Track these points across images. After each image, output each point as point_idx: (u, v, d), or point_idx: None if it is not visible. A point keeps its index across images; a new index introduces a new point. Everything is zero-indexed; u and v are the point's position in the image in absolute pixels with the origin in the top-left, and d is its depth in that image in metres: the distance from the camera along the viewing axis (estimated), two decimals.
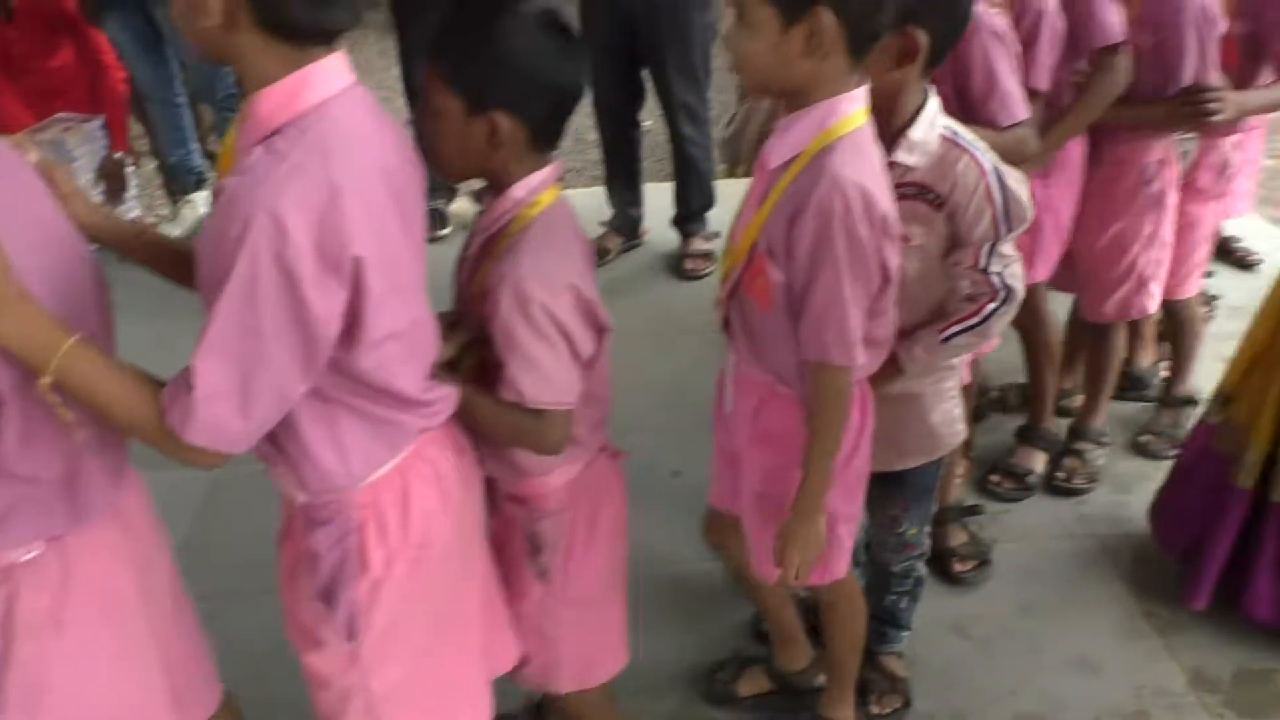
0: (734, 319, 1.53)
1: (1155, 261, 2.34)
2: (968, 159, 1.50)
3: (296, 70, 1.04)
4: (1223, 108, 2.11)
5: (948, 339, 1.57)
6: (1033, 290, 2.30)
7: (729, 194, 3.38)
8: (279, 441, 1.15)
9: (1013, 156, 1.90)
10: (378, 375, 1.13)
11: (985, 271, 1.54)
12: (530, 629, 1.52)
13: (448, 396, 1.26)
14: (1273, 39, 2.21)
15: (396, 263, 1.11)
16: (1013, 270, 1.55)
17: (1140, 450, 2.62)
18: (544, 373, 1.28)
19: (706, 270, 3.47)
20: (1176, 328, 2.65)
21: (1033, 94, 1.97)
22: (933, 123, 1.50)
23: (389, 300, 1.08)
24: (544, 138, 1.30)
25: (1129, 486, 2.52)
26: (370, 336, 1.09)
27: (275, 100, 1.03)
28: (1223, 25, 2.14)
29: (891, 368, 1.58)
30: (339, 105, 1.06)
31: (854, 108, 1.31)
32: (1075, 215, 2.30)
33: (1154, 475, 2.38)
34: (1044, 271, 2.32)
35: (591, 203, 3.70)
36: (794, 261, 1.34)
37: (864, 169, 1.30)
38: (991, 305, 1.55)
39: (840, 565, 1.64)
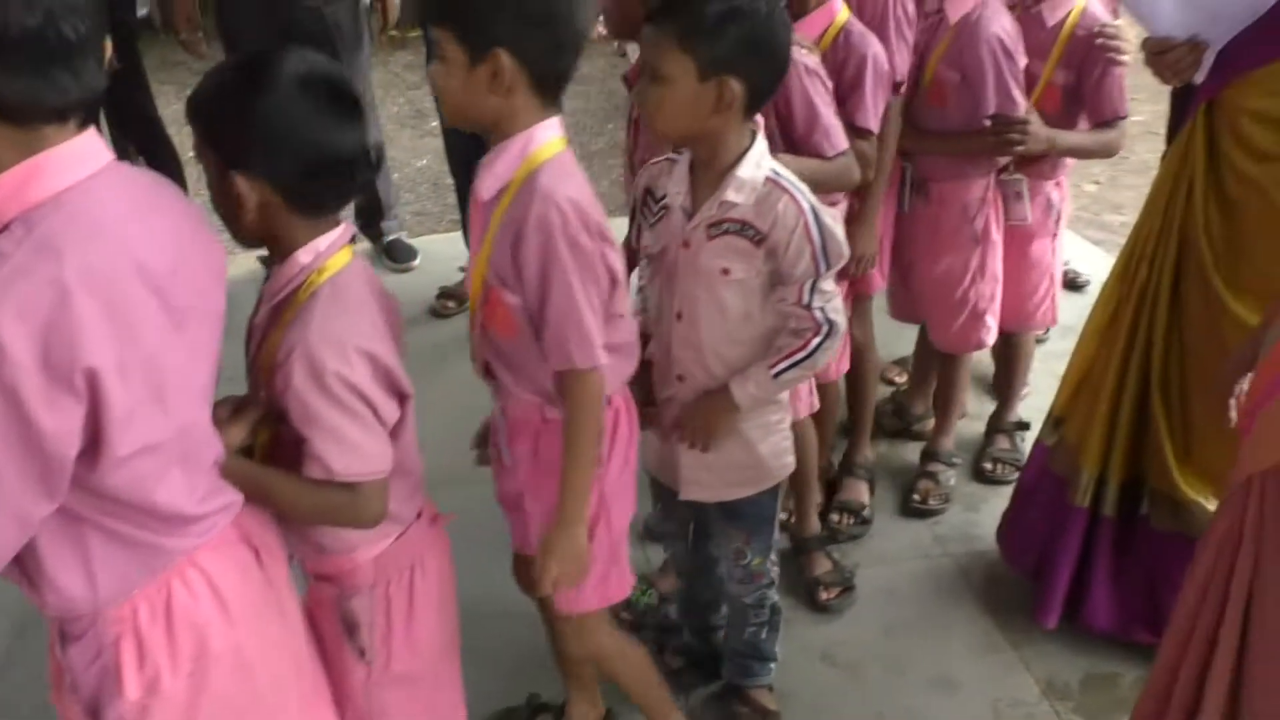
0: (490, 359, 1.55)
1: (987, 295, 2.48)
2: (788, 199, 1.57)
3: (28, 156, 0.94)
4: (1027, 139, 2.25)
5: (778, 374, 1.63)
6: (866, 305, 2.46)
7: None
8: (19, 559, 1.03)
9: (842, 182, 2.02)
10: (132, 492, 1.03)
11: (809, 307, 1.60)
12: (356, 712, 1.44)
13: (228, 506, 1.17)
14: (1090, 91, 2.36)
15: (157, 368, 1.01)
16: (834, 305, 1.63)
17: (983, 477, 2.71)
18: (351, 443, 1.22)
19: None
20: (1010, 354, 2.78)
21: (864, 132, 2.07)
22: (759, 163, 1.58)
23: (142, 411, 0.99)
24: (310, 205, 1.24)
25: (978, 506, 2.63)
26: (116, 453, 0.98)
27: (1, 192, 0.94)
28: (1021, 60, 2.28)
29: (727, 404, 1.64)
30: (85, 193, 0.96)
31: (551, 135, 1.40)
32: (902, 244, 2.46)
33: (1003, 493, 2.49)
34: (882, 281, 2.46)
35: (451, 249, 3.68)
36: (525, 282, 1.39)
37: (572, 185, 1.39)
38: (816, 340, 1.61)
39: (620, 585, 1.66)
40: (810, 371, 1.68)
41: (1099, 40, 2.29)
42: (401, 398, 1.32)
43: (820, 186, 2.01)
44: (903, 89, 2.23)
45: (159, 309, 1.01)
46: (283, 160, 1.19)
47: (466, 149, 3.37)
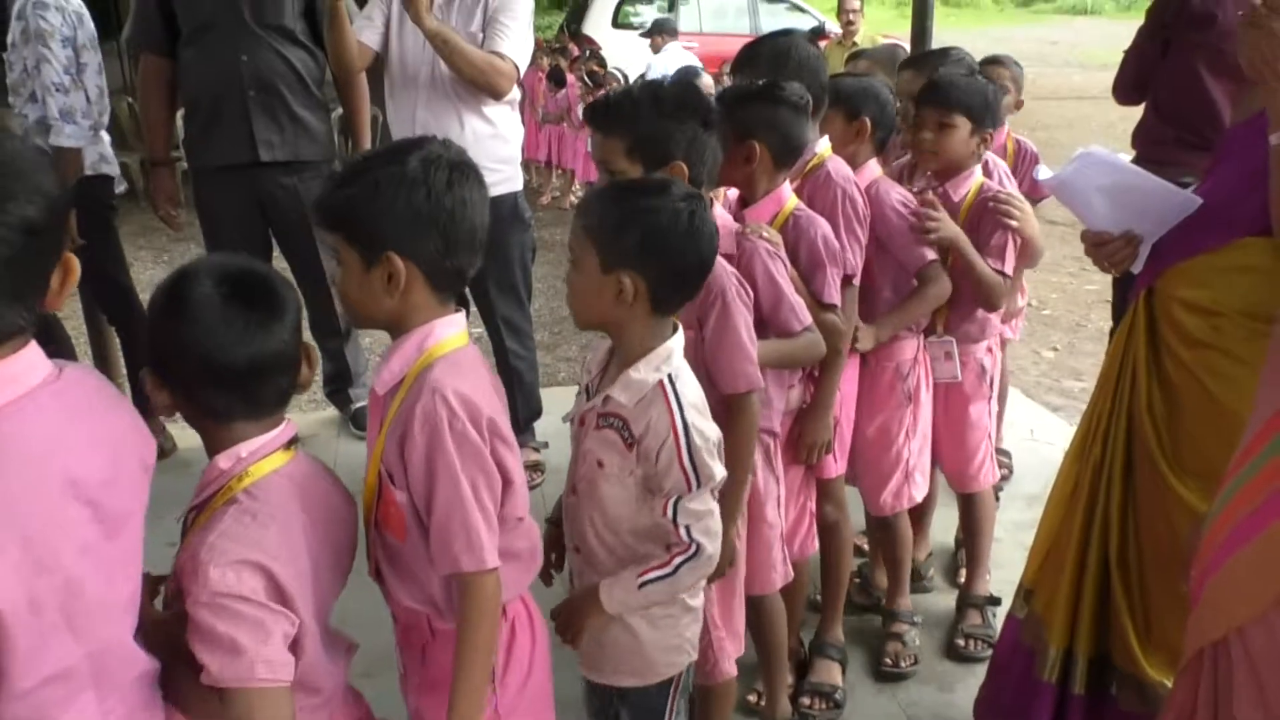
0: (381, 561, 1.48)
1: (917, 451, 2.54)
2: (665, 410, 1.54)
3: None
4: (939, 226, 2.35)
5: (643, 585, 1.58)
6: (832, 484, 2.43)
7: (559, 403, 3.41)
8: None
9: (811, 355, 2.05)
10: None
11: (674, 523, 1.56)
12: None
13: None
14: (981, 246, 2.46)
15: (75, 592, 0.98)
16: (704, 525, 1.58)
17: (956, 654, 2.64)
18: (235, 650, 1.15)
19: (537, 481, 3.44)
20: (969, 524, 2.77)
21: (829, 306, 2.13)
22: (658, 366, 1.56)
23: (53, 640, 0.96)
24: (219, 414, 1.23)
25: (952, 685, 2.55)
26: (18, 686, 0.94)
27: None
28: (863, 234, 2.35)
29: (596, 605, 1.60)
30: (13, 415, 0.95)
31: (450, 331, 1.40)
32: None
33: (977, 671, 2.42)
34: (843, 464, 2.46)
35: None
36: (412, 479, 1.35)
37: (464, 380, 1.36)
38: (680, 558, 1.56)
39: None
40: (674, 590, 1.61)
41: (991, 203, 2.45)
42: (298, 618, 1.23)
43: (792, 362, 2.07)
44: (855, 280, 2.29)
45: (91, 520, 0.99)
46: (188, 374, 1.20)
47: None
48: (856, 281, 2.28)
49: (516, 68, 2.93)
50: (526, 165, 9.59)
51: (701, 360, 1.80)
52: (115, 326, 3.49)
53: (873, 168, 2.44)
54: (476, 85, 2.89)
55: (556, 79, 8.82)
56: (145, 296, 3.71)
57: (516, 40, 2.93)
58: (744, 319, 1.81)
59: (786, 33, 2.38)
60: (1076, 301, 6.37)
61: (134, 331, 3.45)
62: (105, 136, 3.28)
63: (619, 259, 1.50)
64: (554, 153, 8.97)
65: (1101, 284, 6.73)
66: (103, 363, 3.63)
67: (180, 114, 3.37)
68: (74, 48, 3.06)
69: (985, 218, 2.47)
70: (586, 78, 8.37)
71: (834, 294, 2.14)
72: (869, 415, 2.51)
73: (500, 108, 3.02)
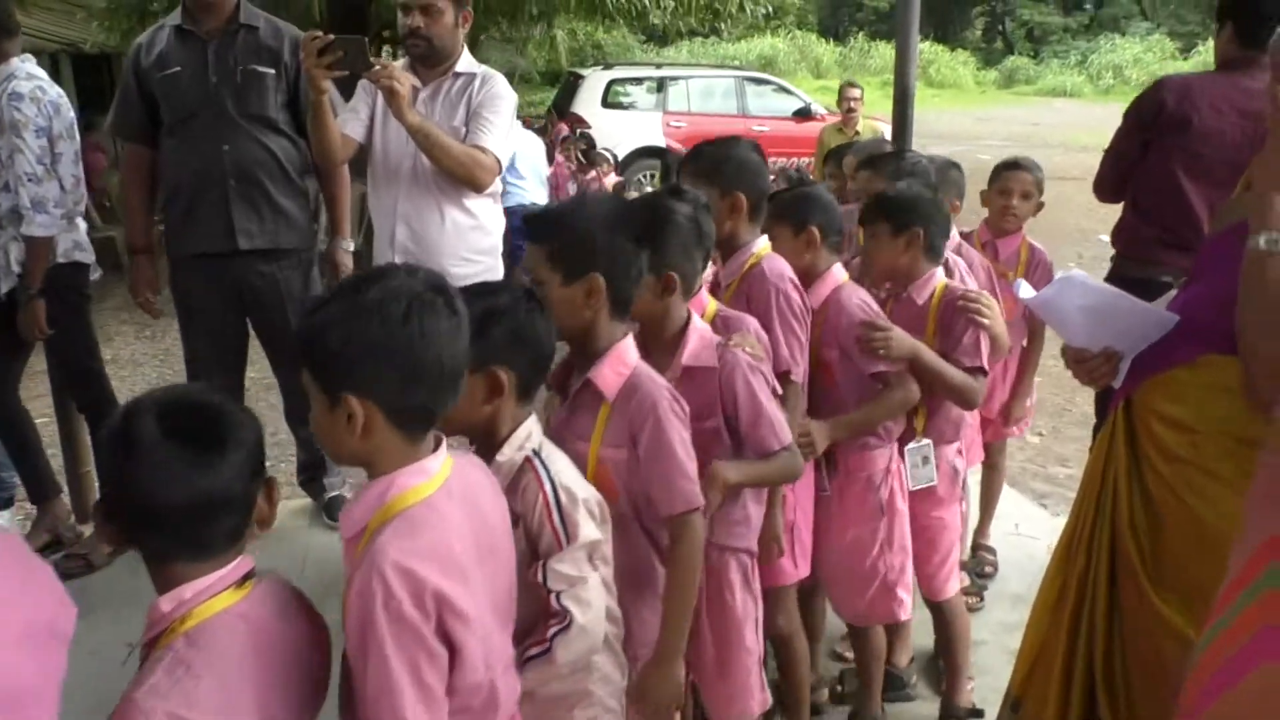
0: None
1: (897, 567, 2.44)
2: (534, 479, 1.57)
3: None
4: (890, 345, 2.28)
5: (523, 665, 1.52)
6: (784, 592, 2.37)
7: None
8: None
9: (786, 476, 2.02)
10: None
11: (548, 590, 1.54)
12: None
13: None
14: (952, 348, 2.42)
15: None
16: (575, 594, 1.53)
17: None
18: None
19: None
20: (944, 633, 2.70)
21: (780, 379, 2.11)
22: (521, 445, 1.60)
23: None
24: (160, 555, 1.19)
25: None
26: None
27: None
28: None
29: None
30: None
31: (417, 480, 1.31)
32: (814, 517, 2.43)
33: None
34: (805, 567, 2.39)
35: None
36: (349, 650, 1.26)
37: (418, 541, 1.26)
38: (554, 629, 1.53)
39: None
40: (555, 673, 1.55)
41: (960, 303, 2.41)
42: None
43: (767, 483, 2.04)
44: (793, 376, 2.23)
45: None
46: (129, 511, 1.18)
47: None
48: (797, 377, 2.23)
49: (499, 161, 2.93)
50: None
51: (636, 482, 1.75)
52: (84, 414, 3.43)
53: (835, 274, 2.40)
54: (458, 179, 2.89)
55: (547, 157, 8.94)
56: (125, 373, 3.68)
57: (499, 135, 2.94)
58: (679, 434, 1.74)
59: (731, 140, 2.39)
60: (1061, 385, 6.34)
61: (104, 418, 3.38)
62: (81, 224, 3.26)
63: (484, 358, 1.50)
64: None
65: None
66: (71, 451, 3.55)
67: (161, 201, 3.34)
68: (49, 137, 3.05)
69: (955, 318, 2.44)
70: (580, 156, 8.46)
71: (799, 371, 2.17)
72: (840, 527, 2.45)
73: (482, 199, 3.02)
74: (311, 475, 3.67)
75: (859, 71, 32.37)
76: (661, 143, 11.96)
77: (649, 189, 11.86)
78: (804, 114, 12.42)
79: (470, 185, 2.92)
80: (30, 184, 3.00)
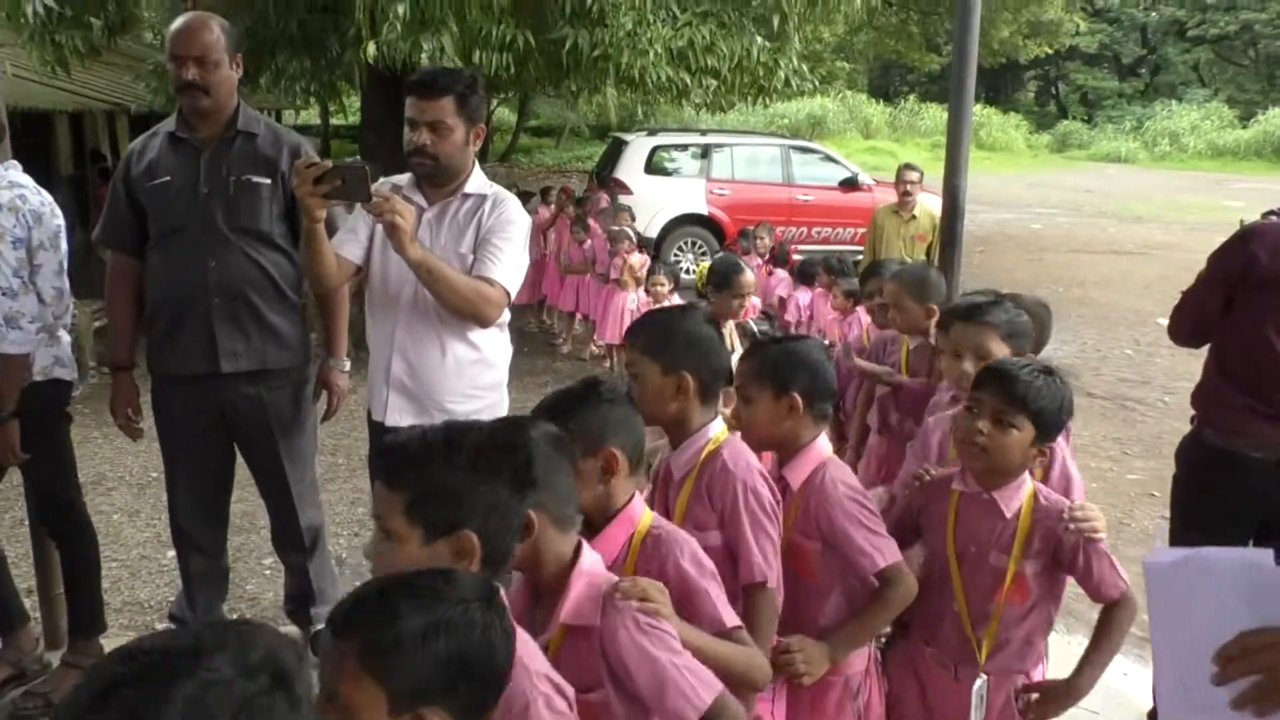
0: None
1: None
2: None
3: None
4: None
5: None
6: None
7: None
8: None
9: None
10: None
11: None
12: None
13: None
14: (1082, 580, 2.11)
15: None
16: None
17: None
18: None
19: None
20: None
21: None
22: None
23: None
24: None
25: None
26: None
27: None
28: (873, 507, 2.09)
29: None
30: None
31: None
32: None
33: None
34: None
35: None
36: None
37: None
38: None
39: None
40: None
41: (1069, 526, 2.06)
42: None
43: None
44: (768, 584, 1.95)
45: None
46: None
47: None
48: (772, 584, 1.92)
49: (507, 294, 2.68)
50: (546, 310, 9.54)
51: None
52: (55, 541, 3.19)
53: (819, 448, 2.09)
54: (462, 315, 2.65)
55: (583, 226, 8.72)
56: (122, 476, 3.45)
57: (509, 265, 2.69)
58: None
59: (682, 310, 2.17)
60: (1118, 493, 5.90)
61: (75, 547, 3.16)
62: (65, 337, 3.05)
63: (407, 701, 1.15)
64: (577, 301, 8.81)
65: (1144, 474, 6.29)
66: (44, 573, 3.32)
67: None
68: (28, 249, 2.85)
69: (1063, 544, 2.07)
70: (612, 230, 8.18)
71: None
72: None
73: (487, 331, 2.76)
74: (298, 606, 3.40)
75: (909, 132, 32.19)
76: (704, 210, 11.77)
77: (689, 256, 11.66)
78: (850, 184, 12.18)
79: (475, 321, 2.68)
80: (4, 298, 2.79)
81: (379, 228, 2.70)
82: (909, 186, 7.16)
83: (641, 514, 1.80)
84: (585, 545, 1.64)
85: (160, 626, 3.80)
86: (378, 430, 2.80)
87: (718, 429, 2.02)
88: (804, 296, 7.15)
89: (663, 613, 1.57)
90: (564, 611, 1.56)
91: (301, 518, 3.19)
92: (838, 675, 2.09)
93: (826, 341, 4.49)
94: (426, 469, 1.42)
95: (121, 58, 12.14)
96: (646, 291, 6.53)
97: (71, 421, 3.13)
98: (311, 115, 26.81)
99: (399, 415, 2.74)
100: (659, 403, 1.97)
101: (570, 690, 1.43)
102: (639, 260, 7.71)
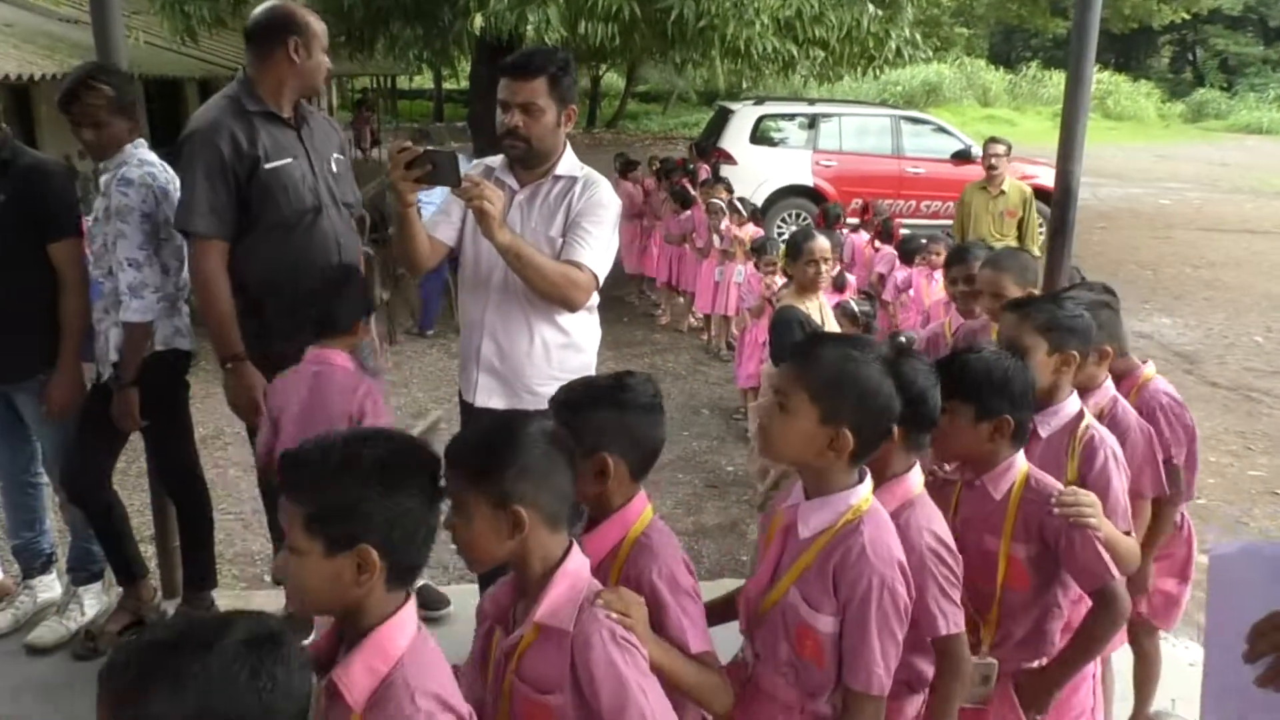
0: None
1: None
2: None
3: None
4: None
5: None
6: None
7: None
8: None
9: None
10: None
11: None
12: None
13: None
14: (1067, 565, 2.05)
15: None
16: None
17: None
18: None
19: None
20: None
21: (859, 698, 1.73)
22: None
23: None
24: None
25: None
26: None
27: None
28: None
29: None
30: None
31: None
32: None
33: None
34: None
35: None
36: None
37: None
38: None
39: None
40: None
41: (1055, 510, 2.01)
42: None
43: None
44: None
45: None
46: None
47: None
48: (884, 696, 1.74)
49: (596, 278, 2.69)
50: (645, 281, 9.53)
51: None
52: (173, 500, 3.38)
53: (909, 483, 1.90)
54: (550, 300, 2.67)
55: (682, 199, 8.61)
56: (238, 431, 3.58)
57: (599, 249, 2.69)
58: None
59: (866, 344, 1.83)
60: (1238, 490, 5.61)
61: (190, 508, 3.34)
62: (185, 308, 3.20)
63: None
64: (674, 274, 8.77)
65: (1268, 471, 5.96)
66: (161, 527, 3.52)
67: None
68: (154, 223, 3.00)
69: (1051, 527, 2.03)
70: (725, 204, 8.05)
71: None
72: None
73: (576, 315, 2.78)
74: None
75: (1030, 100, 30.92)
76: (810, 182, 11.56)
77: (793, 229, 11.44)
78: (963, 156, 11.75)
79: (563, 306, 2.69)
80: (130, 269, 2.95)
81: (470, 212, 2.74)
82: (994, 160, 6.87)
83: (638, 517, 1.79)
84: (575, 547, 1.63)
85: (268, 580, 4.01)
86: (468, 411, 2.85)
87: (863, 494, 1.75)
88: (901, 274, 6.94)
89: (638, 630, 1.57)
90: (540, 611, 1.55)
91: None
92: None
93: (922, 332, 4.35)
94: (324, 482, 1.38)
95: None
96: (756, 266, 6.45)
97: (189, 389, 3.29)
98: (425, 80, 27.38)
99: (488, 397, 2.78)
100: (805, 448, 1.72)
101: (466, 709, 1.41)
102: (750, 232, 7.56)
